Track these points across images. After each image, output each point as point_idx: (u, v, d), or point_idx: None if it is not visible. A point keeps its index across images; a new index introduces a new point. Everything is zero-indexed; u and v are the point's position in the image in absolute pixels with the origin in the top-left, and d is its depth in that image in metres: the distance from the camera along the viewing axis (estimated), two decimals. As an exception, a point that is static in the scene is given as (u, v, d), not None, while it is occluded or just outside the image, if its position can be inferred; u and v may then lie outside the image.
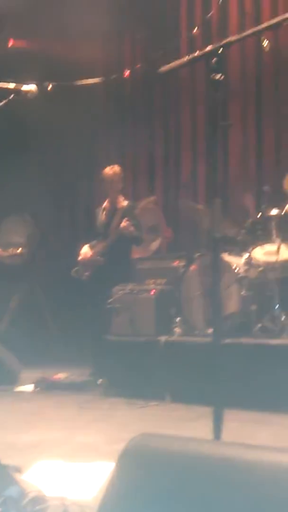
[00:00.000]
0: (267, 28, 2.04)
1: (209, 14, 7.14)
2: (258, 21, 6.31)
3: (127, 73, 7.75)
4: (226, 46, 1.94)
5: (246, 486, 1.22)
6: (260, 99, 7.10)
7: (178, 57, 2.53)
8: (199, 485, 1.26)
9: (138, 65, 7.74)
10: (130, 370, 5.01)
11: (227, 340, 4.61)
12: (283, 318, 4.71)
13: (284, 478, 1.25)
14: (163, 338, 5.03)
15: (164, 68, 1.93)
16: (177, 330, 5.20)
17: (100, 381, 5.34)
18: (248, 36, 2.06)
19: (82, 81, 7.77)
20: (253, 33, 2.05)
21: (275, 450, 1.29)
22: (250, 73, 7.16)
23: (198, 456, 1.31)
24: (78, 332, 6.35)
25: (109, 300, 5.34)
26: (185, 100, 7.65)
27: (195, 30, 7.10)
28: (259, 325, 4.76)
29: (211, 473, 1.34)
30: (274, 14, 6.42)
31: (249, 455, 1.28)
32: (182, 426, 3.95)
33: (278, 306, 4.75)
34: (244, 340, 4.68)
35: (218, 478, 1.25)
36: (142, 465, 1.36)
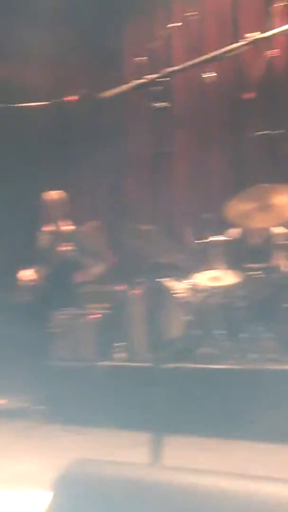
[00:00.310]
0: (209, 60, 2.08)
1: (154, 44, 7.28)
2: (203, 52, 6.47)
3: (71, 98, 7.77)
4: (168, 75, 1.96)
5: (181, 510, 1.21)
6: (205, 127, 7.25)
7: (124, 83, 2.55)
8: (133, 510, 1.24)
9: (83, 90, 7.78)
10: (70, 396, 4.94)
11: (169, 365, 4.61)
12: (224, 343, 4.75)
13: (220, 501, 1.25)
14: (104, 364, 4.99)
15: (106, 93, 1.94)
16: (119, 355, 5.17)
17: (38, 407, 5.23)
18: (190, 66, 2.10)
19: (26, 104, 7.74)
20: (195, 64, 2.10)
21: (211, 474, 1.29)
22: (195, 102, 7.31)
23: (132, 481, 1.29)
24: (17, 357, 6.22)
25: (50, 325, 5.26)
26: (130, 126, 7.73)
27: (139, 58, 7.20)
28: (201, 350, 4.78)
29: (146, 498, 1.32)
30: (219, 46, 6.60)
31: (184, 479, 1.27)
32: (121, 452, 3.90)
33: (220, 331, 4.79)
34: (186, 365, 4.68)
35: (153, 503, 1.23)
36: (76, 491, 1.33)
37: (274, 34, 2.24)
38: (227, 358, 4.68)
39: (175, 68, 1.99)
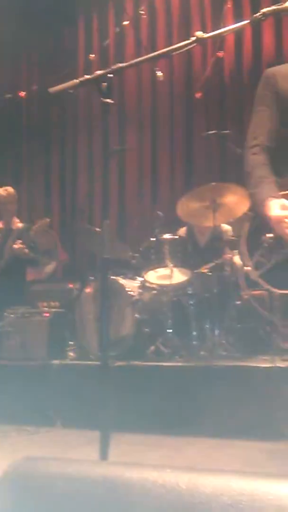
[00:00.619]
0: (157, 57, 2.10)
1: (106, 41, 7.27)
2: (153, 50, 6.51)
3: (23, 93, 7.71)
4: (115, 71, 1.97)
5: (128, 505, 1.22)
6: (156, 125, 7.29)
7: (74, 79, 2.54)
8: (80, 506, 1.24)
9: (35, 86, 7.71)
10: (21, 395, 4.88)
11: (120, 363, 4.62)
12: (175, 340, 4.79)
13: (165, 496, 1.26)
14: (56, 362, 4.95)
15: (54, 89, 1.93)
16: (71, 353, 5.14)
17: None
18: (137, 63, 2.11)
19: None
20: (140, 62, 2.11)
21: (157, 469, 1.30)
22: (146, 100, 7.35)
23: (79, 478, 1.29)
24: None
25: (0, 324, 5.20)
26: (82, 123, 7.70)
27: (92, 55, 7.19)
28: (152, 347, 4.81)
29: (92, 494, 1.32)
30: (169, 44, 6.65)
31: (131, 474, 1.27)
32: (73, 451, 3.89)
33: (171, 329, 4.83)
34: (137, 363, 4.70)
35: (100, 499, 1.23)
36: (22, 489, 1.32)
37: (223, 34, 2.26)
38: (177, 355, 4.72)
39: (122, 64, 1.99)
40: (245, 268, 2.42)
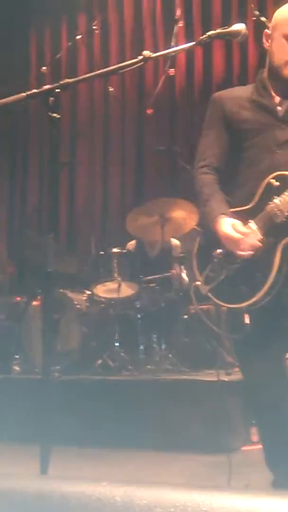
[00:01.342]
0: (103, 74, 2.13)
1: (58, 56, 7.29)
2: (106, 65, 6.56)
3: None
4: (63, 87, 1.99)
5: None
6: (107, 140, 7.33)
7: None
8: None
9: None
10: None
11: (67, 377, 4.60)
12: (121, 354, 4.80)
13: (102, 509, 1.27)
14: (0, 376, 4.89)
15: (0, 101, 1.93)
16: (16, 367, 5.08)
17: None
18: (85, 79, 2.14)
19: None
20: (88, 78, 2.14)
21: (92, 482, 1.31)
22: (98, 115, 7.39)
23: (15, 492, 1.29)
24: None
25: None
26: (32, 135, 7.68)
27: (44, 69, 7.19)
28: (99, 361, 4.80)
29: (30, 508, 1.32)
30: (121, 60, 6.72)
31: (67, 488, 1.28)
32: (17, 466, 3.83)
33: (118, 343, 4.84)
34: (83, 376, 4.68)
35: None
36: None
37: (170, 54, 2.31)
38: (124, 369, 4.72)
39: (70, 80, 2.01)
40: (195, 282, 2.47)
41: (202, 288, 2.39)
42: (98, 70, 2.20)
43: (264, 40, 2.40)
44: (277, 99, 2.36)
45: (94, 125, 7.39)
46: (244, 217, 2.28)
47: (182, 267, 5.12)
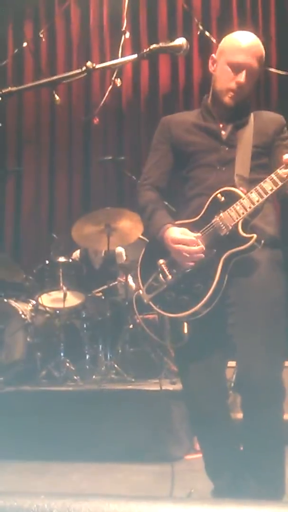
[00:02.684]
0: (46, 84, 2.12)
1: (4, 62, 7.22)
2: (52, 73, 6.53)
3: None
4: (6, 95, 1.97)
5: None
6: (53, 149, 7.30)
7: None
8: None
9: None
10: None
11: (10, 388, 4.53)
12: (67, 364, 4.76)
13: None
14: None
15: None
16: None
17: None
18: (28, 88, 2.12)
19: None
20: (31, 87, 2.13)
21: (30, 496, 1.30)
22: (45, 123, 7.34)
23: None
24: None
25: None
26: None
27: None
28: (44, 372, 4.76)
29: None
30: (68, 68, 6.71)
31: (3, 502, 1.27)
32: None
33: (64, 353, 4.81)
34: (28, 387, 4.62)
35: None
36: None
37: (113, 66, 2.32)
38: (69, 379, 4.69)
39: (13, 88, 1.99)
40: (138, 291, 2.49)
41: (144, 296, 2.42)
42: (44, 78, 2.19)
43: (210, 63, 2.48)
44: (221, 124, 2.44)
45: (40, 134, 7.34)
46: (190, 229, 2.34)
47: (129, 275, 5.14)
